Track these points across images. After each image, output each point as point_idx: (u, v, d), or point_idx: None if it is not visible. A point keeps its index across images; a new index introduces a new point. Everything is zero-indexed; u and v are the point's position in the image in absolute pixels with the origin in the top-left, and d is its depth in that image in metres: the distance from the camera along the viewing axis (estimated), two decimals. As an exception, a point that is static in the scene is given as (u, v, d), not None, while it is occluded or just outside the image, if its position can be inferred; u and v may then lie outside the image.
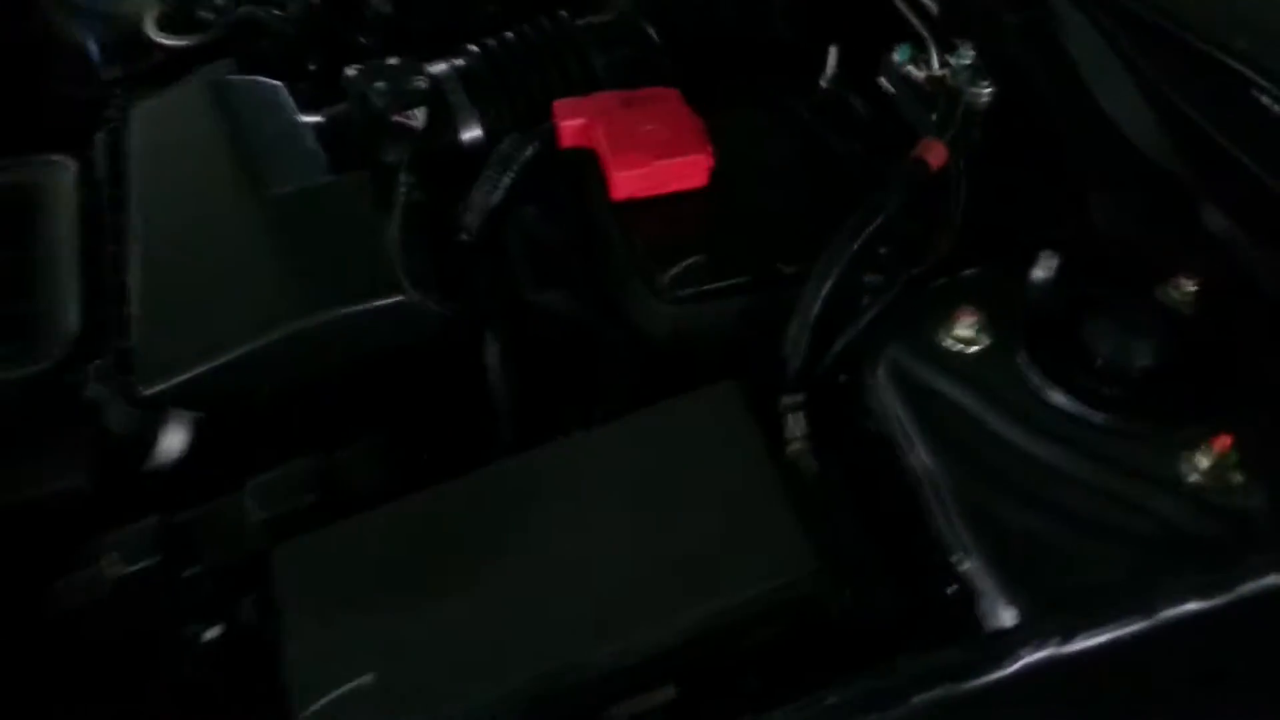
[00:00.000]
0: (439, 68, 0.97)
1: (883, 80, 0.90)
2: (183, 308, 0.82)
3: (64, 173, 0.93)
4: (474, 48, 0.99)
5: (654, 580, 0.66)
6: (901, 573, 0.70)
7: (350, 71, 0.96)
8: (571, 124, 0.85)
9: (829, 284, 0.74)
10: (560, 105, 0.87)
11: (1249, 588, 0.57)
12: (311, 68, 1.10)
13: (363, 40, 1.09)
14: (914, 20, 0.92)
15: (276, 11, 1.13)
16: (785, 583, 0.66)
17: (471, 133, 0.95)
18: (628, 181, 0.82)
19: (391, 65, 0.95)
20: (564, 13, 1.03)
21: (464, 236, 0.87)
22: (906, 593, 0.69)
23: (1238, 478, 0.65)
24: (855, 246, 0.74)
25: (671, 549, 0.67)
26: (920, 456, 0.68)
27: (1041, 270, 0.74)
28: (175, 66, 1.15)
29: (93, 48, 1.22)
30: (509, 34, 1.00)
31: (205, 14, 1.14)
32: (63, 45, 1.25)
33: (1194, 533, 0.64)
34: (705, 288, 0.79)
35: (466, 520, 0.69)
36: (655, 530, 0.68)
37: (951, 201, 0.78)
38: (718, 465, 0.70)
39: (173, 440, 0.79)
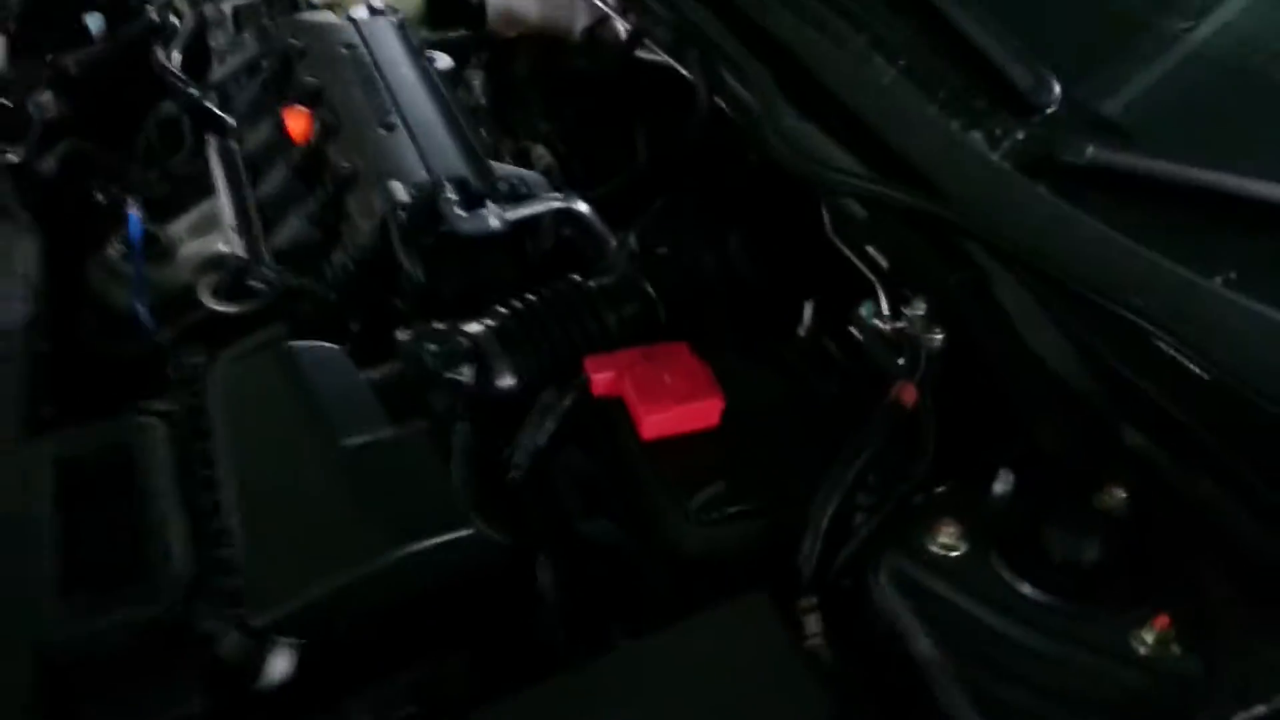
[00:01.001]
0: (474, 328, 1.15)
1: (852, 329, 1.09)
2: (281, 549, 0.95)
3: (154, 431, 1.07)
4: (503, 309, 1.17)
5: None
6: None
7: (402, 335, 1.13)
8: (602, 377, 1.03)
9: (832, 506, 0.91)
10: (590, 361, 1.04)
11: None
12: (354, 328, 1.27)
13: (399, 304, 1.27)
14: (870, 276, 1.13)
15: (317, 281, 1.30)
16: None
17: (506, 382, 1.12)
18: (655, 424, 0.99)
19: (437, 329, 1.13)
20: (576, 276, 1.23)
21: (514, 475, 1.02)
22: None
23: (1176, 649, 0.81)
24: (850, 476, 0.92)
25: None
26: (922, 646, 0.83)
27: (1000, 485, 0.92)
28: (225, 329, 1.32)
29: (143, 311, 1.38)
30: (532, 297, 1.19)
31: (256, 283, 1.31)
32: (113, 309, 1.42)
33: (1148, 697, 0.80)
34: (728, 511, 0.95)
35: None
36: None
37: (924, 432, 0.96)
38: (753, 667, 0.84)
39: (278, 665, 0.91)
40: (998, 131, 1.14)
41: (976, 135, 1.14)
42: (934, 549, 0.88)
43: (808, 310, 1.14)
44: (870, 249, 1.17)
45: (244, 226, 1.42)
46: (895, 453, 0.96)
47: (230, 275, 1.31)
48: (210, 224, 1.52)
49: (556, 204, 1.29)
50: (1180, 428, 0.92)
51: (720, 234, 1.33)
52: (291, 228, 1.37)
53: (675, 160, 1.50)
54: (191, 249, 1.48)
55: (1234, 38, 1.15)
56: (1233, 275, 0.97)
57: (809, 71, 1.27)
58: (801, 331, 1.14)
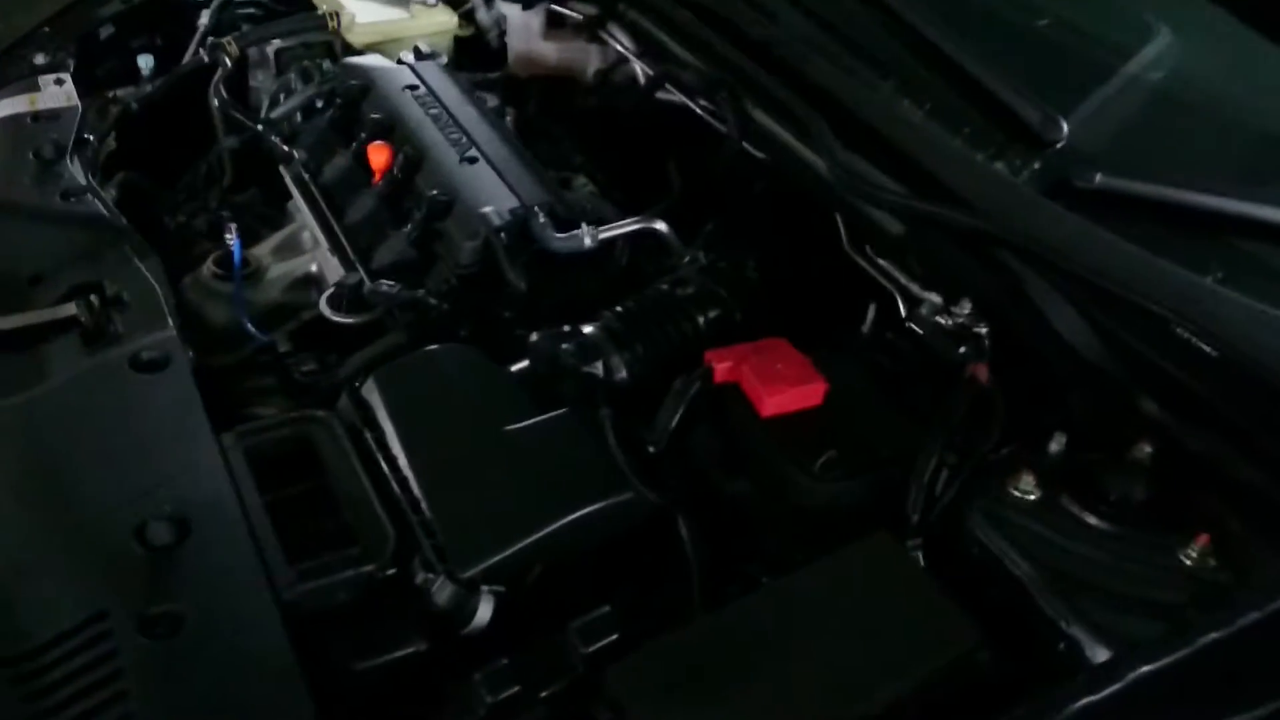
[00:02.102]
0: (590, 330, 1.34)
1: (911, 324, 1.32)
2: (471, 514, 1.13)
3: (330, 423, 1.23)
4: (610, 314, 1.37)
5: (865, 670, 0.99)
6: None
7: (534, 337, 1.31)
8: (723, 366, 1.23)
9: (932, 464, 1.13)
10: (710, 354, 1.24)
11: (1245, 619, 0.96)
12: (463, 334, 1.44)
13: (505, 314, 1.45)
14: (885, 282, 1.37)
15: (426, 292, 1.47)
16: (961, 653, 1.00)
17: (621, 375, 1.31)
18: (774, 404, 1.19)
19: (564, 331, 1.32)
20: (664, 286, 1.43)
21: (653, 448, 1.21)
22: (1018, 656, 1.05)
23: (1213, 562, 1.05)
24: (943, 439, 1.14)
25: (875, 644, 1.01)
26: (1019, 567, 1.05)
27: (1055, 444, 1.15)
28: (342, 335, 1.48)
29: (249, 326, 1.53)
30: (633, 303, 1.39)
31: (371, 295, 1.47)
32: (209, 324, 1.55)
33: (1196, 597, 1.03)
34: (842, 471, 1.16)
35: (733, 643, 1.01)
36: (860, 637, 1.01)
37: (995, 403, 1.18)
38: (892, 581, 1.05)
39: (484, 611, 1.08)
40: (1017, 162, 1.39)
41: (1000, 165, 1.39)
42: (1015, 494, 1.10)
43: (871, 310, 1.36)
44: (882, 260, 1.41)
45: (337, 248, 1.58)
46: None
47: (349, 290, 1.46)
48: (293, 247, 1.68)
49: (640, 223, 1.48)
50: (1191, 396, 1.16)
51: (763, 250, 1.54)
52: (391, 249, 1.53)
53: (706, 188, 1.72)
54: (279, 270, 1.64)
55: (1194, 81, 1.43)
56: (1220, 275, 1.23)
57: (850, 112, 1.49)
58: (865, 327, 1.36)
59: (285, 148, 1.76)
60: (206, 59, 1.92)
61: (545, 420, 1.22)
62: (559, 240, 1.45)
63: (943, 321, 1.28)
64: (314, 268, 1.63)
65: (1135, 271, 1.22)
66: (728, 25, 1.71)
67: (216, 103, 1.88)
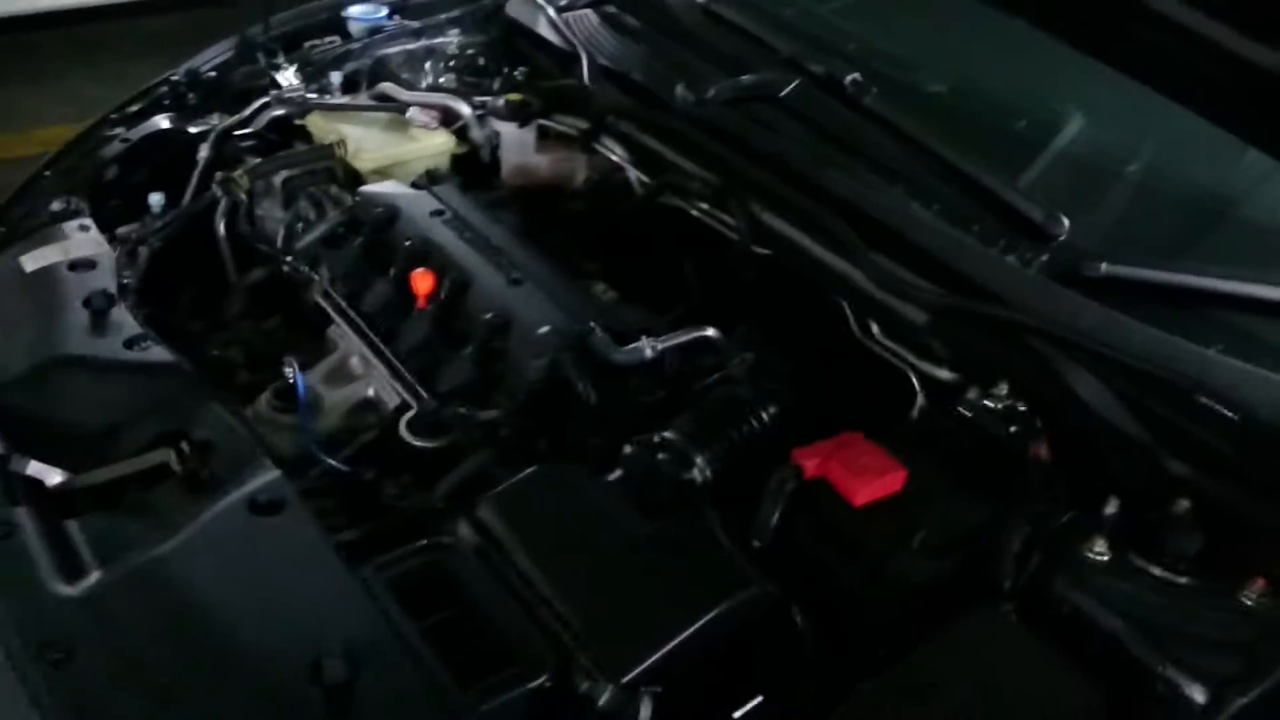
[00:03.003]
0: (672, 436, 1.45)
1: (960, 409, 1.47)
2: (615, 620, 1.23)
3: (461, 549, 1.32)
4: (686, 420, 1.48)
5: None
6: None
7: (628, 450, 1.42)
8: (811, 463, 1.36)
9: (1019, 536, 1.28)
10: (797, 452, 1.37)
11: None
12: (540, 448, 1.54)
13: (578, 426, 1.55)
14: (903, 367, 1.53)
15: (495, 414, 1.56)
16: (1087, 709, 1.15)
17: (707, 475, 1.43)
18: (865, 493, 1.33)
19: (654, 442, 1.43)
20: (723, 387, 1.56)
21: (755, 544, 1.34)
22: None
23: (1272, 601, 1.22)
24: (1025, 512, 1.29)
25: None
26: (1110, 621, 1.21)
27: (1110, 507, 1.32)
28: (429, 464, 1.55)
29: (323, 456, 1.60)
30: (703, 408, 1.51)
31: (448, 420, 1.55)
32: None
33: (1261, 634, 1.20)
34: (937, 547, 1.30)
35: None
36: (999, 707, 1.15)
37: (1057, 476, 1.34)
38: (1020, 663, 1.19)
39: (645, 711, 1.18)
40: (1028, 255, 1.57)
41: (1012, 258, 1.57)
42: (1091, 556, 1.26)
43: (920, 397, 1.52)
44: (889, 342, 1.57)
45: (395, 374, 1.66)
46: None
47: (428, 415, 1.55)
48: (344, 374, 1.75)
49: (695, 333, 1.61)
50: (1214, 454, 1.34)
51: (785, 344, 1.69)
52: (454, 372, 1.62)
53: (721, 289, 1.86)
54: (335, 397, 1.71)
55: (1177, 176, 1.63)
56: (1221, 346, 1.42)
57: (865, 215, 1.65)
58: (914, 413, 1.51)
59: (315, 276, 1.84)
60: (219, 193, 1.98)
61: (661, 526, 1.33)
62: (621, 354, 1.56)
63: (990, 404, 1.44)
64: (371, 392, 1.70)
65: (1154, 348, 1.41)
66: (729, 137, 1.86)
67: (228, 234, 1.95)
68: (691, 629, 1.22)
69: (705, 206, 1.87)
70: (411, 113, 2.10)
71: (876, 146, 1.75)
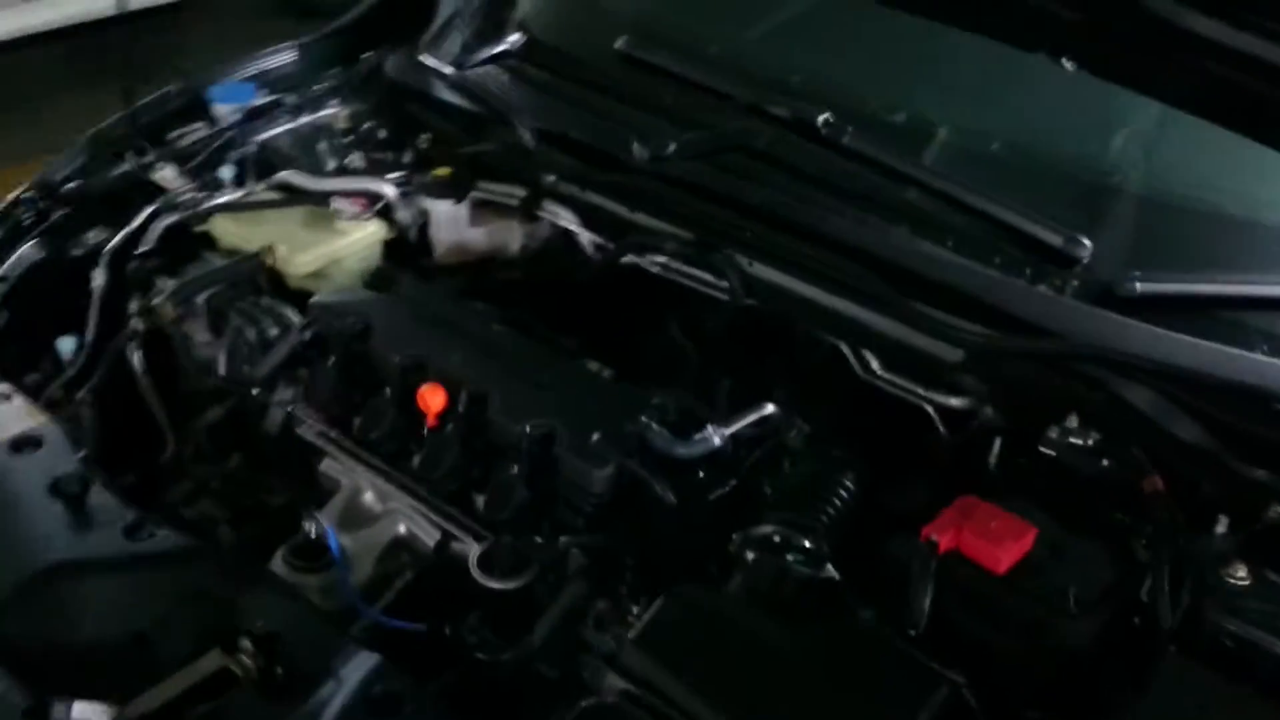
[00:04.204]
0: (781, 530, 1.39)
1: (1044, 449, 1.47)
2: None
3: (621, 705, 1.20)
4: (784, 513, 1.42)
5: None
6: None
7: (750, 554, 1.34)
8: (943, 537, 1.32)
9: (1166, 575, 1.29)
10: (927, 528, 1.33)
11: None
12: (629, 563, 1.44)
13: (661, 530, 1.45)
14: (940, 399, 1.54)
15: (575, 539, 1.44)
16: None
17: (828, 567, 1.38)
18: (1006, 559, 1.31)
19: (775, 542, 1.36)
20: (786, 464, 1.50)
21: (911, 632, 1.29)
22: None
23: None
24: (1168, 549, 1.30)
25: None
26: (1271, 643, 1.23)
27: (1220, 527, 1.36)
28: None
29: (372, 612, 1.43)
30: (793, 492, 1.45)
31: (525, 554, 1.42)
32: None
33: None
34: (1092, 600, 1.29)
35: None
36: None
37: (1174, 505, 1.37)
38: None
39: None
40: (1058, 282, 1.59)
41: (1043, 287, 1.58)
42: (1233, 581, 1.29)
43: (995, 445, 1.51)
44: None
45: (429, 506, 1.51)
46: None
47: (505, 550, 1.40)
48: (360, 514, 1.57)
49: (761, 412, 1.53)
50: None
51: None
52: (504, 496, 1.47)
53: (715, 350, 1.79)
54: (361, 542, 1.53)
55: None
56: (1265, 348, 1.49)
57: (874, 257, 1.63)
58: (991, 461, 1.51)
59: (288, 408, 1.64)
60: (139, 326, 1.74)
61: (817, 634, 1.26)
62: (688, 447, 1.48)
63: (1076, 441, 1.45)
64: (402, 530, 1.53)
65: (1209, 359, 1.46)
66: (702, 191, 1.79)
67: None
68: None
69: (677, 265, 1.79)
70: (336, 203, 1.90)
71: (867, 186, 1.72)
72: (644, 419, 1.50)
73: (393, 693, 1.21)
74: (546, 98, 2.01)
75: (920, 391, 1.59)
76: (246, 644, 1.27)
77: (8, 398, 1.56)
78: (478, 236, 2.00)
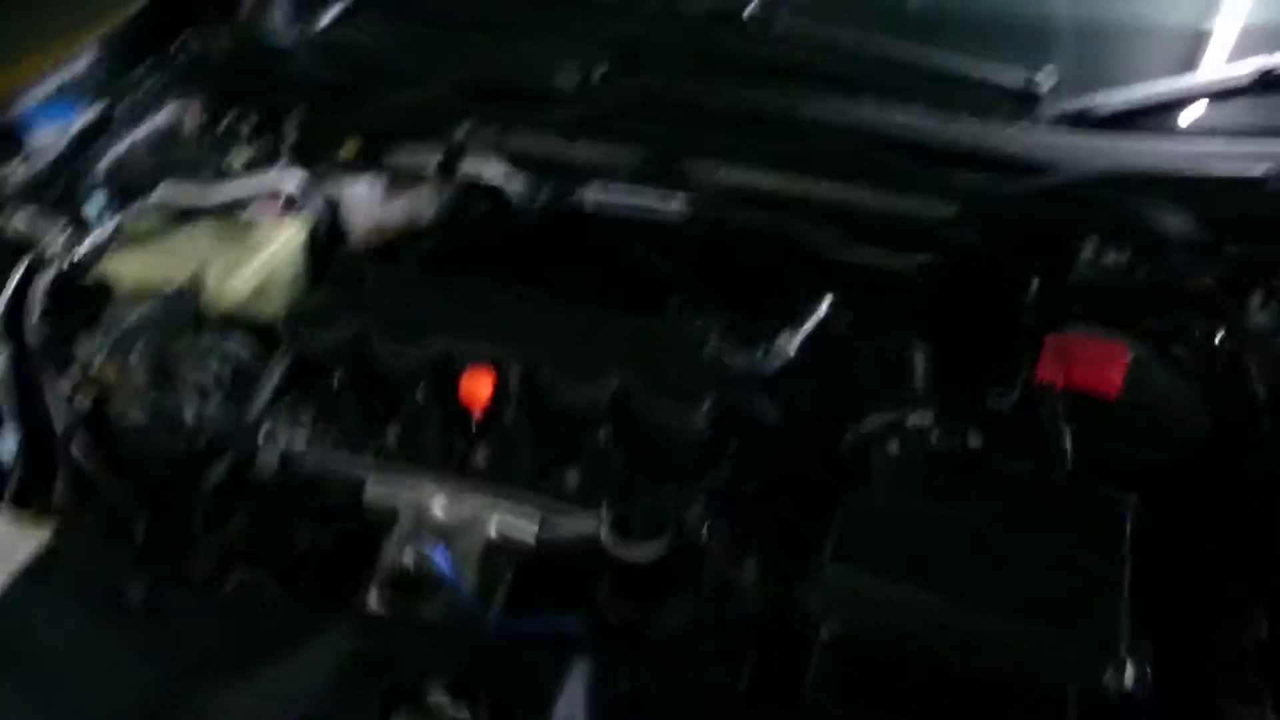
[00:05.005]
0: (886, 418, 1.38)
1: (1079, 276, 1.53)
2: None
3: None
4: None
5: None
6: None
7: (892, 446, 1.33)
8: (1055, 375, 1.36)
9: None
10: (1038, 372, 1.36)
11: None
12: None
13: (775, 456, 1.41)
14: None
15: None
16: None
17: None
18: (1117, 379, 1.36)
19: (885, 421, 1.36)
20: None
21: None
22: None
23: None
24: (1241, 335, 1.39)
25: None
26: None
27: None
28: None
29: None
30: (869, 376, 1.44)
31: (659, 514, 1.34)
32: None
33: None
34: (1197, 398, 1.36)
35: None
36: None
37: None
38: None
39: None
40: (1031, 118, 1.64)
41: (1020, 124, 1.63)
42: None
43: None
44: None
45: (516, 499, 1.39)
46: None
47: (639, 517, 1.32)
48: (436, 531, 1.43)
49: (822, 310, 1.50)
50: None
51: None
52: (608, 460, 1.39)
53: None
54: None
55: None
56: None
57: (855, 133, 1.62)
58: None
59: (299, 444, 1.47)
60: (83, 401, 1.48)
61: (999, 498, 1.26)
62: (766, 361, 1.43)
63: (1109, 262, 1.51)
64: (492, 534, 1.40)
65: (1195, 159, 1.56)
66: (642, 106, 1.71)
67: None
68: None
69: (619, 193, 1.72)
70: (253, 208, 1.68)
71: (818, 67, 1.70)
72: (711, 344, 1.44)
73: (628, 689, 1.12)
74: (432, 45, 1.85)
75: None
76: (439, 698, 1.14)
77: (-10, 520, 1.30)
78: (393, 212, 1.83)
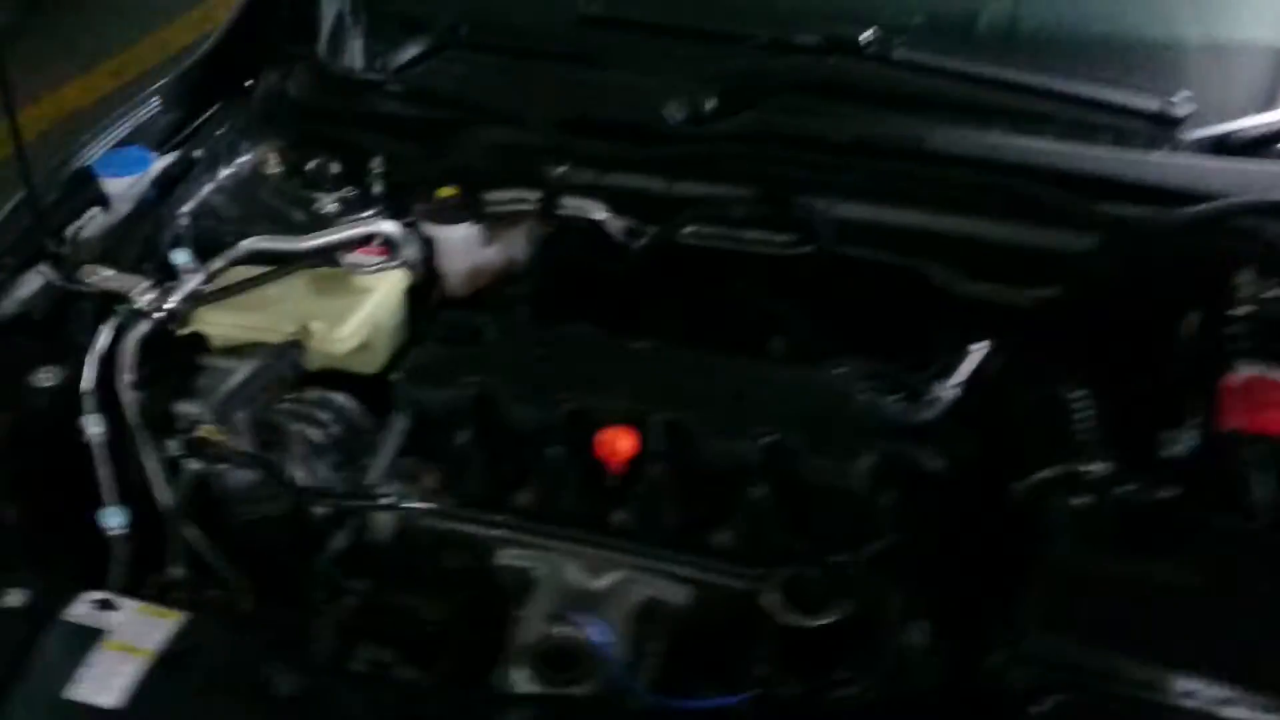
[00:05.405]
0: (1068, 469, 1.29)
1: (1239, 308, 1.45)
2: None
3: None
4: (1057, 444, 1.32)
5: None
6: None
7: (1076, 499, 1.24)
8: (1244, 420, 1.27)
9: None
10: (1223, 419, 1.28)
11: None
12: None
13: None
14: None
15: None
16: None
17: None
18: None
19: (1067, 472, 1.27)
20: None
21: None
22: None
23: None
24: None
25: None
26: None
27: None
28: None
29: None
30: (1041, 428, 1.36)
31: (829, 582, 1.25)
32: None
33: None
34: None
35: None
36: None
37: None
38: None
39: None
40: (1168, 144, 1.56)
41: (1159, 152, 1.56)
42: None
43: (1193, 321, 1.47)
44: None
45: (665, 560, 1.30)
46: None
47: (814, 583, 1.22)
48: (580, 598, 1.33)
49: (981, 353, 1.41)
50: None
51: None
52: (765, 519, 1.30)
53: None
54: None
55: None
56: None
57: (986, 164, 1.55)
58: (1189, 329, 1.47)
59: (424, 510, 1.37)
60: (193, 465, 1.39)
61: (1205, 554, 1.18)
62: (926, 410, 1.35)
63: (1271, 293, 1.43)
64: (641, 597, 1.31)
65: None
66: (768, 138, 1.63)
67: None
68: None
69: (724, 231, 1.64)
70: (351, 257, 1.59)
71: (941, 96, 1.63)
72: (863, 394, 1.36)
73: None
74: (526, 81, 1.77)
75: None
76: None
77: (109, 605, 1.19)
78: (490, 256, 1.74)
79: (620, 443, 1.33)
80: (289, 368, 1.48)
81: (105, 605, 1.19)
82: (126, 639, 1.14)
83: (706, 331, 1.61)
